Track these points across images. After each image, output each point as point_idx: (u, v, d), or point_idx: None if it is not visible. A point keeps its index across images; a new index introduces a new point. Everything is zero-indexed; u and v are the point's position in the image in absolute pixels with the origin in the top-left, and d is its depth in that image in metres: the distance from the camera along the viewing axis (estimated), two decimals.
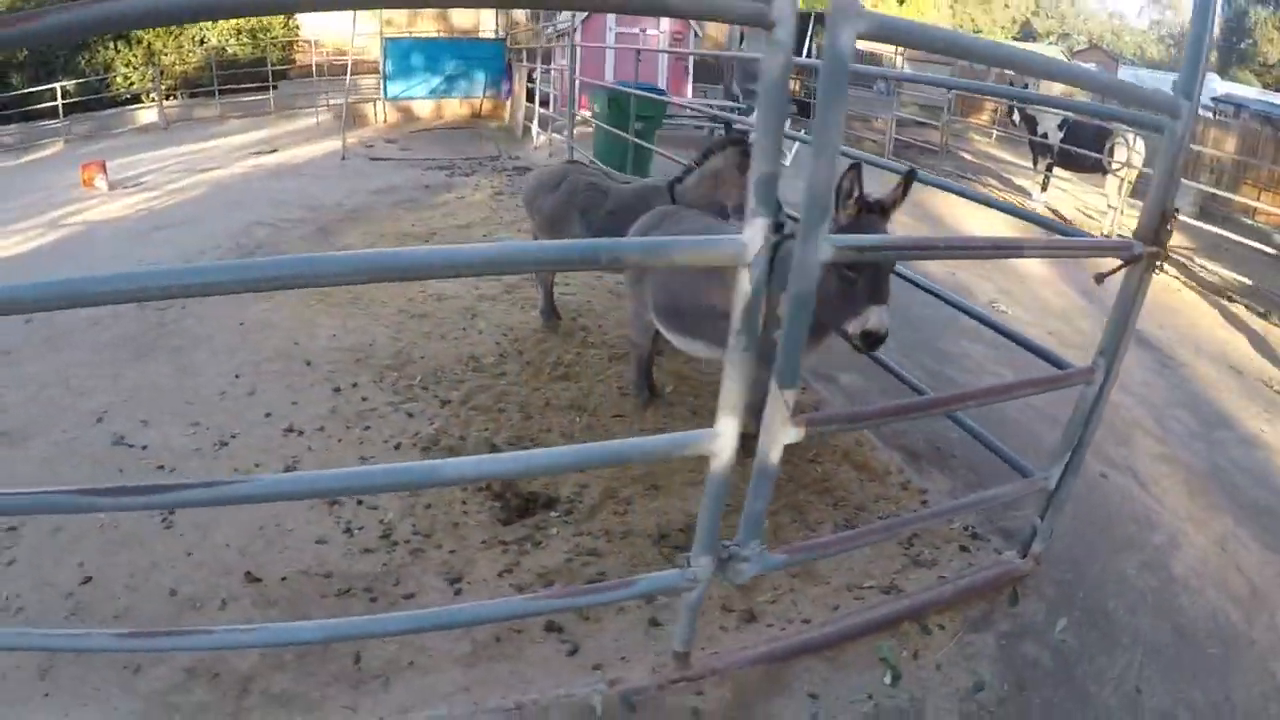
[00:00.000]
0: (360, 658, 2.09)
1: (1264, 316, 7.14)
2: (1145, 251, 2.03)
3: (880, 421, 1.92)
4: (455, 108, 14.41)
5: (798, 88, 13.67)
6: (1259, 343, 6.52)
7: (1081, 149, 9.51)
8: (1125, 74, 24.89)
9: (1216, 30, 2.35)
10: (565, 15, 13.44)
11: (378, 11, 15.00)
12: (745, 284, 1.33)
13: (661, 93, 9.88)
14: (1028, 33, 49.32)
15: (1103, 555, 2.90)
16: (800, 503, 2.89)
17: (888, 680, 2.04)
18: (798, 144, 6.48)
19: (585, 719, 1.83)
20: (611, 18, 12.71)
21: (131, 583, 2.50)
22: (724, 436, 1.47)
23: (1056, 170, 10.08)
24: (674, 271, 2.92)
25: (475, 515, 2.80)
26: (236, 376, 3.94)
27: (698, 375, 3.87)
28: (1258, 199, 11.45)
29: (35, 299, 1.21)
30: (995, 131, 14.92)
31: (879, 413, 1.86)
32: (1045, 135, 9.62)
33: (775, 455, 1.56)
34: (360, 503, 2.82)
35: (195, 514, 2.75)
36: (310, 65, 15.79)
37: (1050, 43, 48.21)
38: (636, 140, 7.22)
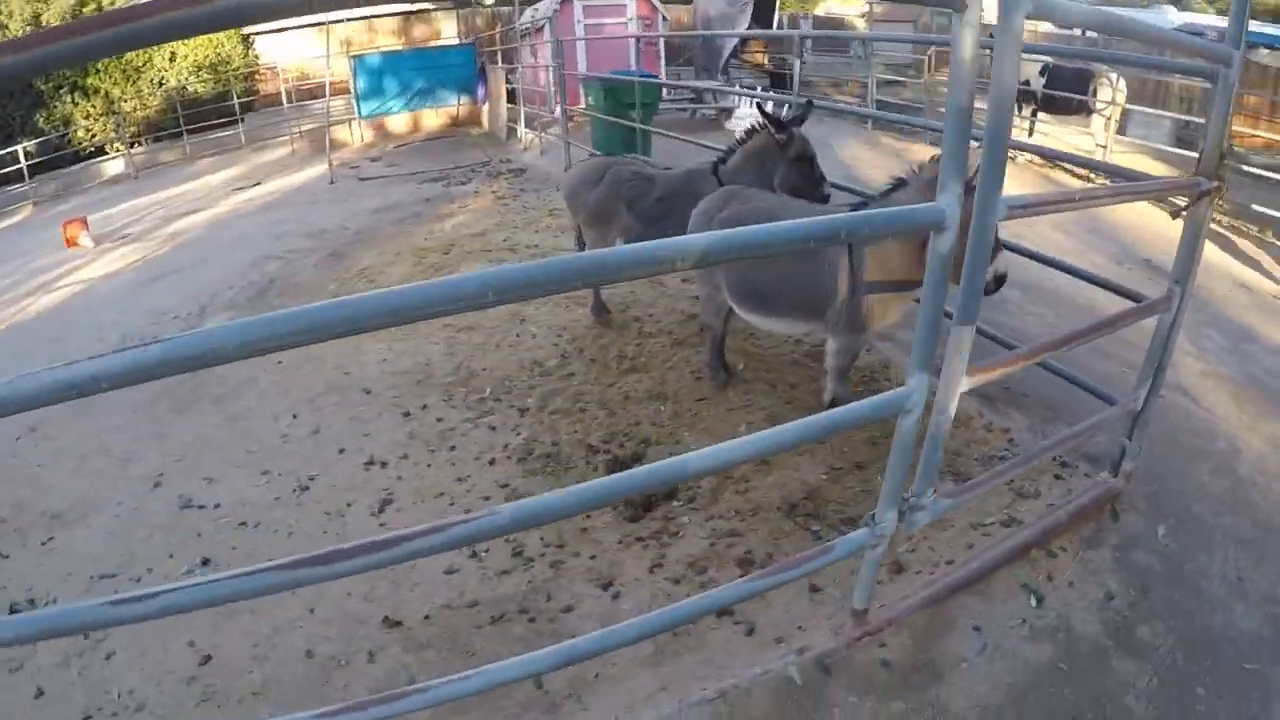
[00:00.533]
0: (541, 681, 2.04)
1: (1252, 235, 7.37)
2: (1210, 186, 2.22)
3: (1036, 361, 2.04)
4: (431, 118, 14.34)
5: (765, 60, 13.76)
6: (1254, 260, 6.74)
7: (1066, 93, 9.71)
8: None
9: None
10: (530, 14, 13.46)
11: (338, 32, 14.91)
12: (944, 247, 1.46)
13: (654, 78, 9.98)
14: None
15: (1178, 467, 3.07)
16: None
17: (1033, 604, 2.19)
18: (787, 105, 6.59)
19: (787, 692, 1.92)
20: (579, 9, 12.73)
21: (258, 653, 2.34)
22: (917, 393, 1.59)
23: (1040, 115, 10.25)
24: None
25: (600, 518, 2.81)
26: (294, 416, 3.81)
27: (762, 351, 3.95)
28: (1254, 127, 11.72)
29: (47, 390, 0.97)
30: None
31: (1037, 350, 1.98)
32: (1028, 82, 9.78)
33: (953, 406, 1.68)
34: None
35: None
36: (275, 94, 15.63)
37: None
38: (642, 126, 7.27)
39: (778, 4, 13.10)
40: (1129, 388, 2.60)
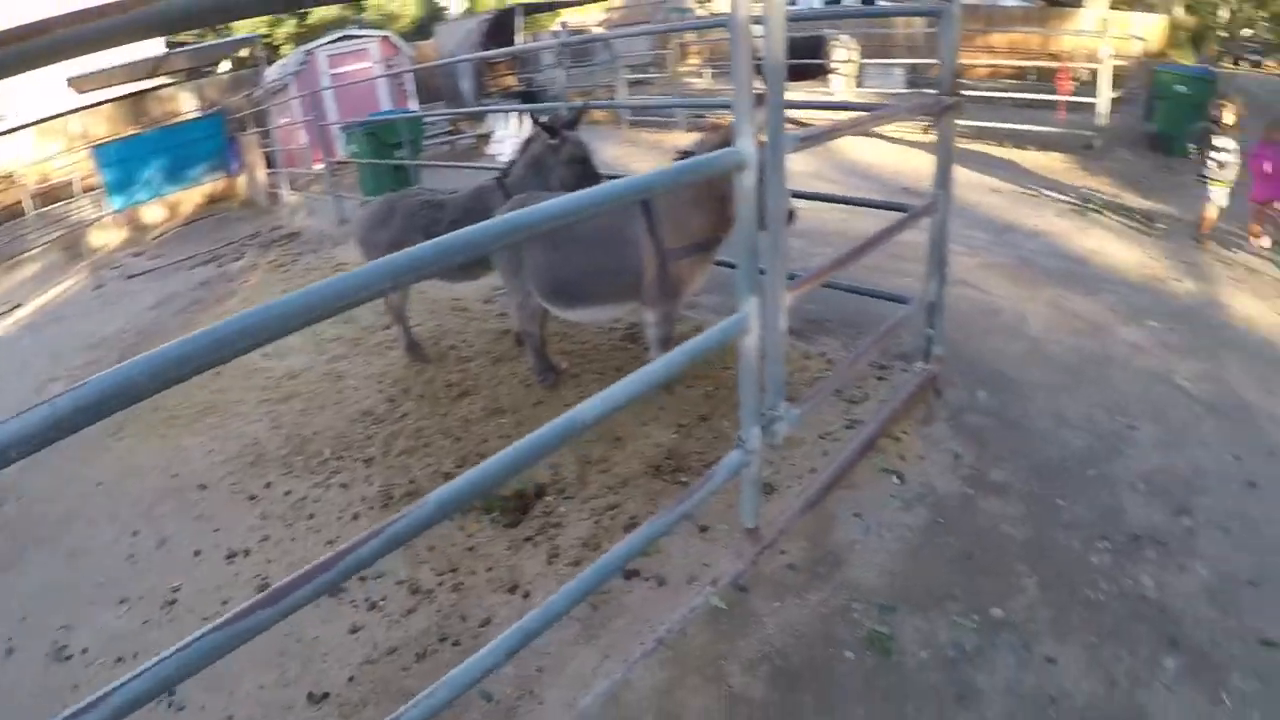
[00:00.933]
0: (491, 695, 2.03)
1: (997, 144, 8.50)
2: (951, 102, 2.64)
3: (840, 270, 2.28)
4: (189, 199, 13.29)
5: (515, 80, 14.00)
6: (999, 165, 7.76)
7: (802, 60, 10.56)
8: None
9: None
10: (274, 72, 12.90)
11: (73, 129, 13.65)
12: (749, 181, 1.69)
13: (414, 114, 9.91)
14: None
15: (979, 343, 3.53)
16: (734, 400, 3.23)
17: (897, 482, 2.46)
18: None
19: (716, 618, 2.04)
20: (323, 60, 12.36)
21: None
22: (750, 316, 1.75)
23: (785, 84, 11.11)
24: (553, 250, 3.13)
25: (481, 534, 2.81)
26: (134, 534, 3.50)
27: (581, 346, 4.05)
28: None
29: None
30: (710, 70, 15.93)
31: (837, 264, 2.22)
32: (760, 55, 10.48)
33: (783, 320, 1.87)
34: (363, 579, 2.68)
35: (204, 679, 2.56)
36: (16, 203, 13.91)
37: None
38: (412, 163, 7.22)
39: (518, 27, 13.41)
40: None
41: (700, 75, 15.58)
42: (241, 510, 3.45)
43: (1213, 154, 5.52)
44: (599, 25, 19.40)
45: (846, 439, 2.70)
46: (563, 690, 1.98)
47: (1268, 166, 5.32)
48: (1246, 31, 36.66)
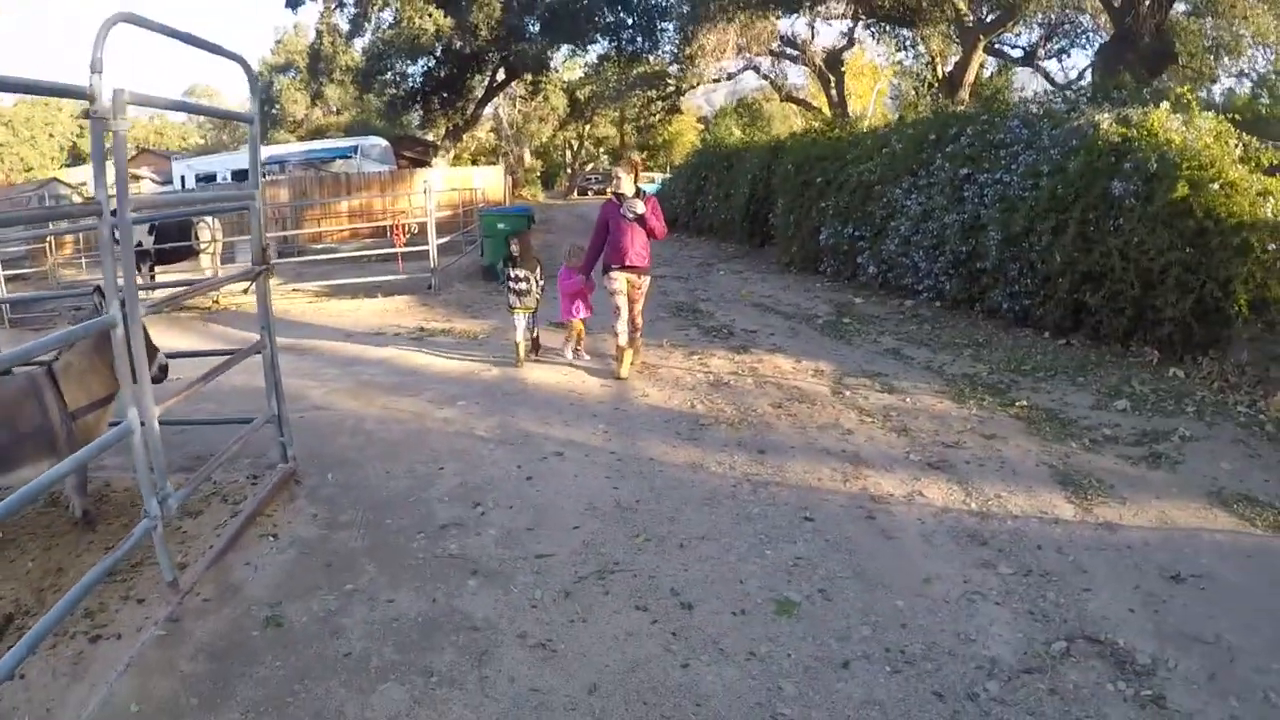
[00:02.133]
0: None
1: (351, 297, 10.37)
2: (264, 268, 3.93)
3: (190, 393, 3.29)
4: None
5: None
6: (350, 313, 9.56)
7: (174, 243, 11.07)
8: (179, 165, 26.53)
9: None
10: None
11: None
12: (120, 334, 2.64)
13: None
14: (76, 157, 46.56)
15: (328, 444, 4.90)
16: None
17: (273, 539, 3.60)
18: None
19: (162, 642, 2.85)
20: None
21: None
22: (134, 421, 2.69)
23: (158, 269, 11.35)
24: None
25: None
26: None
27: None
28: (319, 226, 15.25)
29: None
30: (84, 259, 15.09)
31: (191, 385, 3.22)
32: (140, 244, 10.36)
33: (154, 424, 2.85)
34: None
35: None
36: None
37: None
38: None
39: None
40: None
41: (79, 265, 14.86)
42: None
43: (510, 284, 6.70)
44: None
45: (233, 520, 3.71)
46: (70, 713, 2.54)
47: (565, 288, 6.72)
48: (590, 166, 47.94)
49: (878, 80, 33.29)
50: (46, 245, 13.28)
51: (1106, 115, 6.88)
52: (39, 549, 3.62)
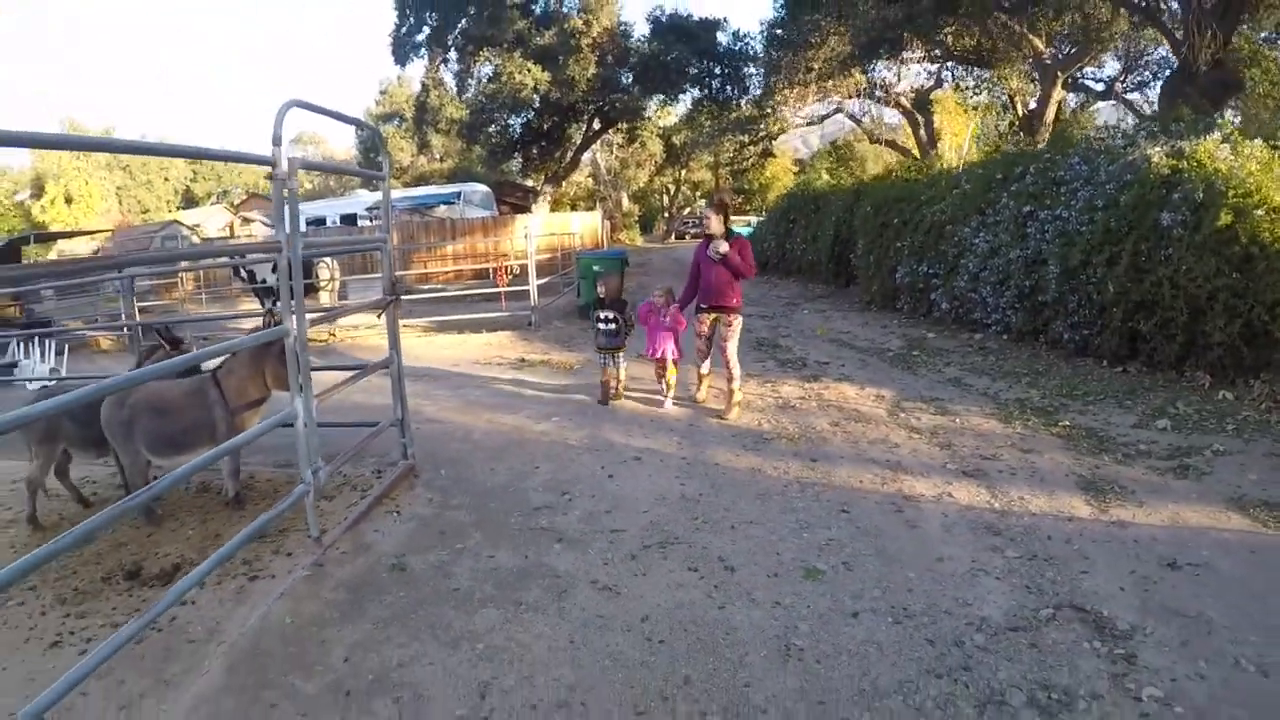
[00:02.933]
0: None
1: (457, 332, 11.51)
2: (392, 299, 4.87)
3: (333, 393, 4.17)
4: None
5: (18, 311, 13.32)
6: (457, 346, 10.66)
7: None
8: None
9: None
10: None
11: None
12: (290, 343, 3.52)
13: None
14: (189, 200, 52.00)
15: (441, 446, 5.78)
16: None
17: (397, 513, 4.42)
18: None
19: (309, 579, 3.65)
20: None
21: None
22: (299, 412, 3.59)
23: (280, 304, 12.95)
24: (158, 416, 4.40)
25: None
26: None
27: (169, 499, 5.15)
28: (425, 268, 16.96)
29: None
30: (204, 294, 16.97)
31: (334, 387, 4.13)
32: (264, 280, 12.18)
33: (312, 416, 3.73)
34: None
35: None
36: None
37: (213, 202, 52.14)
38: None
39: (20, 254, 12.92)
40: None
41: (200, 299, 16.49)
42: None
43: (598, 324, 7.06)
44: (94, 254, 18.61)
45: (366, 497, 4.61)
46: (235, 624, 3.36)
47: (647, 324, 6.88)
48: (686, 210, 48.91)
49: (970, 120, 33.09)
50: (178, 280, 15.05)
51: (1158, 148, 7.18)
52: (197, 522, 4.58)
